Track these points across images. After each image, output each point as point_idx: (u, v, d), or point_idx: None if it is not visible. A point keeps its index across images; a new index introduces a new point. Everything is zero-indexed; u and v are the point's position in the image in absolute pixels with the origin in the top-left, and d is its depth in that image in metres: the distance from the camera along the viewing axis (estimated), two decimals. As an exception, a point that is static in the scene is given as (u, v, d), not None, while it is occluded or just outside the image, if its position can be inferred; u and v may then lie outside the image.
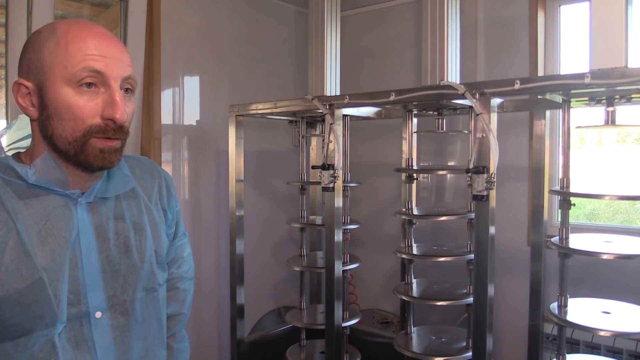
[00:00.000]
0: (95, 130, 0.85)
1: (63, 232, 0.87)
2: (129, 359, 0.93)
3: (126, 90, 0.90)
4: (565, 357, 1.85)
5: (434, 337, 2.21)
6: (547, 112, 2.05)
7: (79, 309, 0.87)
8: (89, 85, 0.85)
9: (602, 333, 1.61)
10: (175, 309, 1.14)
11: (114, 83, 0.86)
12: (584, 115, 2.15)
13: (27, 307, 0.82)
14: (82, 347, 0.87)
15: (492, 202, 1.64)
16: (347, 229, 2.40)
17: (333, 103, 2.07)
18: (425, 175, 3.04)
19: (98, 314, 0.89)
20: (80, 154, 0.86)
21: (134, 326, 0.94)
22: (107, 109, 0.85)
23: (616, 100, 1.63)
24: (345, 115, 2.27)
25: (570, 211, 1.79)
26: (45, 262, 0.84)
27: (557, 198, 2.30)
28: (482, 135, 1.63)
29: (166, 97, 2.62)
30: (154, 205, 1.04)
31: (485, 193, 1.62)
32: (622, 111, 1.68)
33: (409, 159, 2.33)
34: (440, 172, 2.80)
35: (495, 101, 1.65)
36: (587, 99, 1.71)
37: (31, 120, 0.90)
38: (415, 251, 2.22)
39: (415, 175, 2.36)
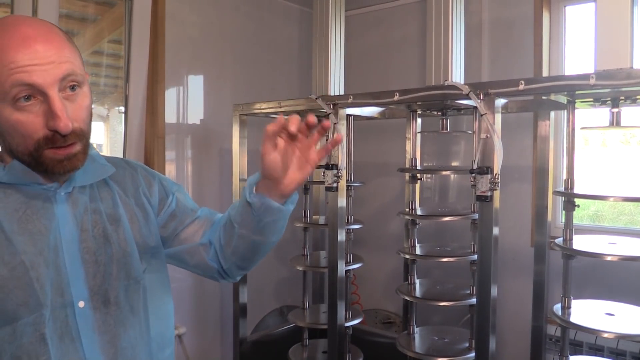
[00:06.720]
0: (44, 142, 0.82)
1: (43, 219, 0.87)
2: (113, 347, 0.92)
3: (72, 87, 0.84)
4: (568, 358, 1.85)
5: (436, 338, 2.21)
6: (552, 113, 2.05)
7: (64, 298, 0.87)
8: (27, 98, 0.79)
9: (605, 335, 1.60)
10: (208, 220, 1.10)
11: (50, 91, 0.80)
12: (588, 116, 2.15)
13: (10, 292, 0.81)
14: (68, 338, 0.87)
15: (496, 202, 1.64)
16: (350, 229, 2.40)
17: (337, 103, 2.07)
18: (429, 175, 3.03)
19: (81, 304, 0.88)
20: (41, 165, 0.85)
21: (118, 315, 0.93)
22: (49, 120, 0.81)
23: (621, 101, 1.63)
24: (349, 115, 2.27)
25: (574, 212, 1.79)
26: (27, 247, 0.84)
27: (561, 199, 2.29)
28: (486, 136, 1.62)
29: (170, 96, 2.62)
30: (131, 196, 1.02)
31: (489, 194, 1.62)
32: (627, 112, 1.68)
33: (412, 159, 2.32)
34: (444, 173, 2.79)
35: (500, 102, 1.65)
36: (591, 100, 1.71)
37: None
38: (418, 251, 2.22)
39: (418, 175, 2.35)
